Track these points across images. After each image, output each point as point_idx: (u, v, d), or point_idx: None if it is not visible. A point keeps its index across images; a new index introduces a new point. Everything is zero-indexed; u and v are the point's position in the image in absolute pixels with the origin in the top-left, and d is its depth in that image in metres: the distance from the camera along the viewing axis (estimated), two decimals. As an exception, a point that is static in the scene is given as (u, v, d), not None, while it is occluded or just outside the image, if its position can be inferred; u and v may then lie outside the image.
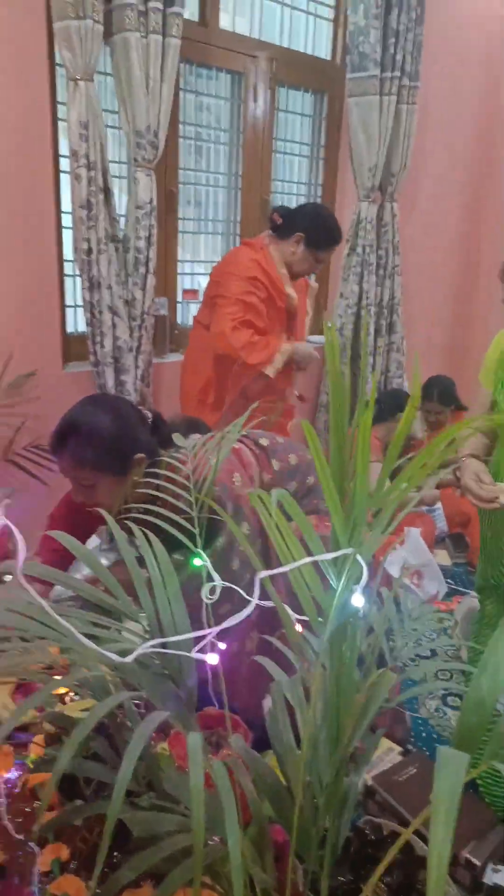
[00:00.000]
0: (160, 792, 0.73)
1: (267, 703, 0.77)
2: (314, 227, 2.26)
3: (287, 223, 2.27)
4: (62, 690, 1.31)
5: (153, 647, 0.56)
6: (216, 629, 0.58)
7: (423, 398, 3.28)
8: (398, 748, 1.63)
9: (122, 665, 0.56)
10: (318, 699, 0.71)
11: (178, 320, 3.01)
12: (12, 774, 1.11)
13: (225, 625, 0.56)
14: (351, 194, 3.22)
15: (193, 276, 3.08)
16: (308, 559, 0.58)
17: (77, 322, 2.65)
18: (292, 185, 3.31)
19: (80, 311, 2.49)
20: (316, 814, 0.71)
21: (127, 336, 2.45)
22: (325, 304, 3.54)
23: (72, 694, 1.31)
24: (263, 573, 0.57)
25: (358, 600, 0.60)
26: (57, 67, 2.25)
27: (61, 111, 2.28)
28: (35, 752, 1.13)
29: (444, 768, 0.48)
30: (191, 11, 2.63)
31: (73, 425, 1.33)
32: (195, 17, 2.67)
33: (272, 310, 2.28)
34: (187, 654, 0.58)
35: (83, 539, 1.62)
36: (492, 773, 1.55)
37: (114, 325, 2.41)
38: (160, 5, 2.20)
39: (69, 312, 2.61)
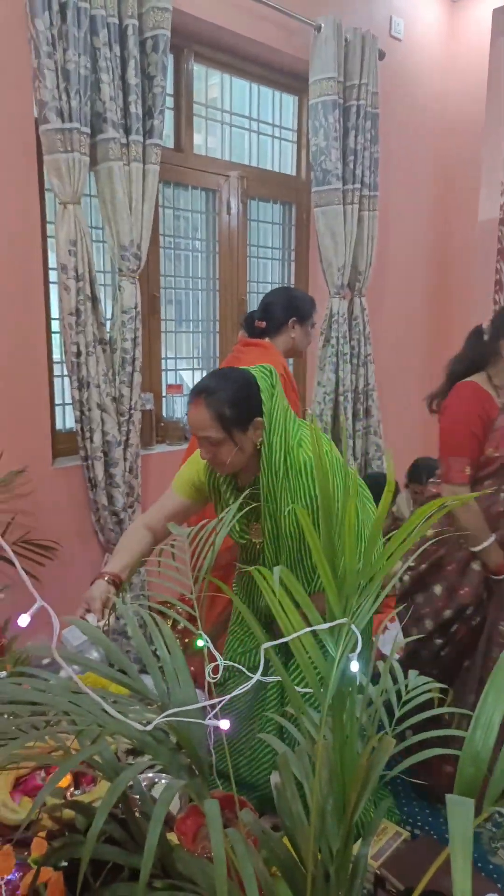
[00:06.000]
0: (175, 876, 0.74)
1: (274, 777, 0.79)
2: (296, 307, 2.40)
3: (272, 321, 2.37)
4: (62, 784, 1.30)
5: (168, 717, 0.60)
6: (226, 698, 0.62)
7: (411, 479, 3.37)
8: (405, 833, 1.60)
9: (139, 738, 0.60)
10: (324, 769, 0.74)
11: (164, 413, 3.13)
12: (13, 876, 1.08)
13: (234, 693, 0.60)
14: (322, 291, 3.45)
15: (177, 371, 3.24)
16: (307, 629, 0.64)
17: (66, 419, 2.75)
18: (266, 284, 3.55)
19: (69, 408, 2.60)
20: (328, 887, 0.72)
21: (115, 431, 2.55)
22: (303, 393, 3.70)
23: (72, 789, 1.29)
24: (266, 644, 0.62)
25: (355, 666, 0.65)
26: (46, 191, 2.47)
27: (50, 229, 2.48)
28: (36, 850, 1.10)
29: (454, 812, 0.53)
30: (167, 137, 2.91)
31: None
32: (171, 144, 2.96)
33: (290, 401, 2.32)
34: (199, 722, 0.62)
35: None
36: None
37: (102, 421, 2.51)
38: (140, 138, 2.44)
39: (58, 410, 2.72)
